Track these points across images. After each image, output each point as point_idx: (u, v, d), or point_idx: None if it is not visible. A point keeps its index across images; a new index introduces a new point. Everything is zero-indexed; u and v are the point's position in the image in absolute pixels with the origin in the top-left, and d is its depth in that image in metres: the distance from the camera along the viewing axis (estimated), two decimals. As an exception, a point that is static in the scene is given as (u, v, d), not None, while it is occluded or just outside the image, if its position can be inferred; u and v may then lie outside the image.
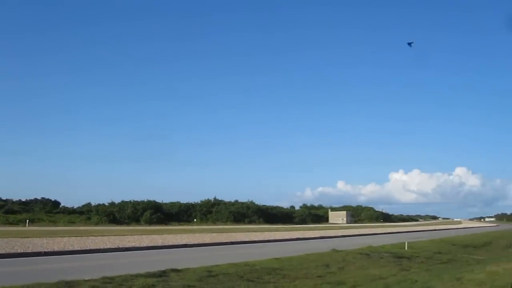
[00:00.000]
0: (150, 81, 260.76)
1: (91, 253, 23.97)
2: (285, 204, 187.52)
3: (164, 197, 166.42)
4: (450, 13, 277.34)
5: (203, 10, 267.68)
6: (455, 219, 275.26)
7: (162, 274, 14.13)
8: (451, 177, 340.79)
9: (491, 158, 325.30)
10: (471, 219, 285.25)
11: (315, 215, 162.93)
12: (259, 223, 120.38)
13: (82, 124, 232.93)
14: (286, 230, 66.03)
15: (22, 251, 22.86)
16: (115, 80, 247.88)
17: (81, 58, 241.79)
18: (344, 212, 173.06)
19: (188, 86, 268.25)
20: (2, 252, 21.70)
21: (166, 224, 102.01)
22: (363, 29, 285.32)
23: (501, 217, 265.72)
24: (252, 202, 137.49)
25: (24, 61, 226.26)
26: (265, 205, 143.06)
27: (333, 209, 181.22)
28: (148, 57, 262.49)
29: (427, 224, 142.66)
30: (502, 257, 27.10)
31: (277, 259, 19.85)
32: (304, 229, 70.82)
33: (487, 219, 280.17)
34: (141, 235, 43.27)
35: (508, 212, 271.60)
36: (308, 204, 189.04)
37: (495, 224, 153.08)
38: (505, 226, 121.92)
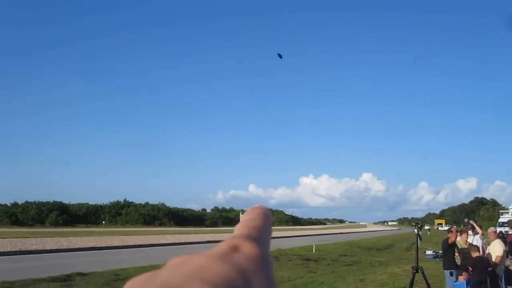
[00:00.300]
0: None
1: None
2: (196, 206, 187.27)
3: (71, 198, 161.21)
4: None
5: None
6: (360, 223, 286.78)
7: (67, 278, 13.66)
8: (358, 182, 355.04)
9: (395, 165, 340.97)
10: (375, 223, 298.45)
11: (226, 218, 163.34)
12: (170, 225, 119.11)
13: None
14: (197, 233, 65.80)
15: None
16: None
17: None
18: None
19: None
20: None
21: (72, 226, 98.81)
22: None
23: (402, 221, 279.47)
24: (163, 204, 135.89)
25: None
26: (176, 208, 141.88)
27: (244, 212, 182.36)
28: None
29: (334, 228, 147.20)
30: (403, 259, 28.48)
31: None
32: (215, 232, 70.84)
33: (390, 223, 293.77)
34: (46, 237, 41.52)
35: (409, 216, 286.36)
36: (220, 207, 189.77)
37: (397, 228, 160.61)
38: (406, 229, 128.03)
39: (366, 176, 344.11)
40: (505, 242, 13.33)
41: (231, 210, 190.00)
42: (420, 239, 7.82)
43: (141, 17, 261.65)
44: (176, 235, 54.54)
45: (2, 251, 24.80)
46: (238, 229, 0.62)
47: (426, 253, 30.15)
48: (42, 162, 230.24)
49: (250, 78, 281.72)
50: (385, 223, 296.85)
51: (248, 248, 0.56)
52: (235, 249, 0.56)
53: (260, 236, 0.59)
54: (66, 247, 29.28)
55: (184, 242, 39.59)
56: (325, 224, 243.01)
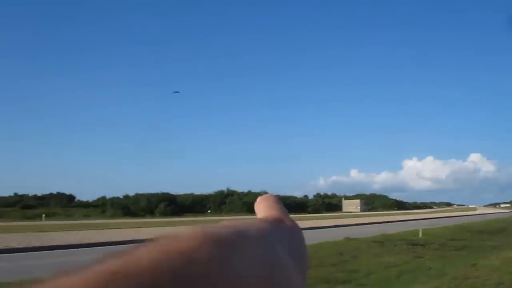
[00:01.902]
0: (155, 82, 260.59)
1: (108, 245, 24.24)
2: (298, 193, 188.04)
3: (177, 189, 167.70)
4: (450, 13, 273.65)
5: (202, 10, 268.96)
6: (470, 206, 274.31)
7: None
8: (465, 163, 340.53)
9: (507, 144, 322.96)
10: (486, 206, 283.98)
11: (328, 204, 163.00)
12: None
13: (93, 122, 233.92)
14: (300, 219, 66.13)
15: (39, 245, 23.20)
16: (120, 81, 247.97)
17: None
18: (358, 201, 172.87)
19: (191, 85, 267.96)
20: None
21: (180, 215, 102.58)
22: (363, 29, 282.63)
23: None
24: (265, 192, 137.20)
25: (31, 62, 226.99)
26: (278, 195, 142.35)
27: (347, 198, 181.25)
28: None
29: (442, 211, 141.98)
30: (517, 243, 27.00)
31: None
32: (317, 218, 70.84)
33: (502, 205, 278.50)
34: (156, 227, 43.57)
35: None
36: (322, 193, 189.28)
37: (510, 210, 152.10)
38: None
39: (474, 157, 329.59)
40: None
41: (333, 196, 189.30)
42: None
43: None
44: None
45: (119, 240, 26.35)
46: (266, 210, 0.65)
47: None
48: (150, 156, 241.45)
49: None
50: (497, 206, 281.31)
51: (291, 223, 0.61)
52: (280, 221, 0.59)
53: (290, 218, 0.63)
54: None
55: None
56: (431, 208, 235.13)
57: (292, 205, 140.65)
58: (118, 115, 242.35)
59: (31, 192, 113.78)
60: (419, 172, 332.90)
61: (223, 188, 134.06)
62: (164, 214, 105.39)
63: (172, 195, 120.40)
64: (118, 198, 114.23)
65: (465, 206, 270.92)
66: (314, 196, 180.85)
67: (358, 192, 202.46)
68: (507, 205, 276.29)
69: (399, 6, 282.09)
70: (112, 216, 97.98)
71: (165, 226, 45.69)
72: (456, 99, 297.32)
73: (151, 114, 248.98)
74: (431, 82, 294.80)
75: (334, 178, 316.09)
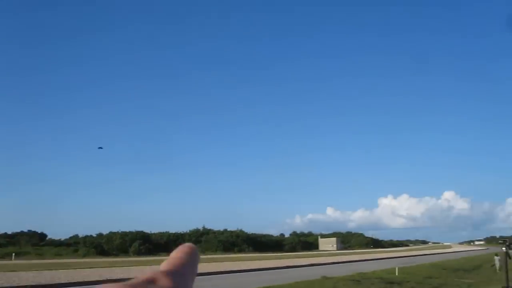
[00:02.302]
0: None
1: (80, 285, 23.66)
2: (274, 232, 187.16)
3: (152, 227, 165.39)
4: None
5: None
6: (445, 243, 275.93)
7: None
8: (439, 201, 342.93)
9: (480, 182, 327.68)
10: (460, 243, 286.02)
11: (305, 242, 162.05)
12: (249, 251, 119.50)
13: (65, 157, 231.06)
14: (276, 258, 65.64)
15: (8, 285, 22.52)
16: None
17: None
18: (334, 239, 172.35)
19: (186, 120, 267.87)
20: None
21: (155, 254, 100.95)
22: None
23: (490, 240, 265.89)
24: (241, 231, 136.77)
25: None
26: (254, 233, 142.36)
27: (323, 236, 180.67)
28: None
29: (418, 249, 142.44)
30: (492, 280, 27.14)
31: (267, 287, 19.72)
32: (294, 257, 70.41)
33: (476, 243, 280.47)
34: (130, 266, 42.80)
35: (498, 235, 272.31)
36: (298, 232, 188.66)
37: (485, 247, 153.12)
38: (495, 249, 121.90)
39: (448, 195, 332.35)
40: None
41: (310, 234, 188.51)
42: (510, 258, 7.40)
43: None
44: (256, 261, 54.60)
45: (90, 280, 25.75)
46: (162, 265, 0.64)
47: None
48: (124, 193, 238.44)
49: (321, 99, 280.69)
50: (471, 243, 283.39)
51: (164, 282, 0.58)
52: (151, 281, 0.58)
53: (181, 273, 0.63)
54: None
55: (264, 268, 39.57)
56: (407, 245, 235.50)
57: (268, 243, 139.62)
58: (91, 149, 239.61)
59: (0, 230, 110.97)
60: (394, 210, 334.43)
61: (199, 226, 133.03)
62: (138, 253, 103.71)
63: (147, 233, 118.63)
64: (91, 236, 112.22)
65: (440, 244, 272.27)
66: (291, 234, 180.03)
67: (334, 230, 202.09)
68: (482, 242, 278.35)
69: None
70: (85, 255, 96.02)
71: (139, 265, 44.82)
72: (429, 139, 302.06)
73: (127, 150, 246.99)
74: (406, 125, 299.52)
75: (310, 216, 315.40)
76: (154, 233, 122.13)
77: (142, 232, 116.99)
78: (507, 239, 9.32)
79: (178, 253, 0.70)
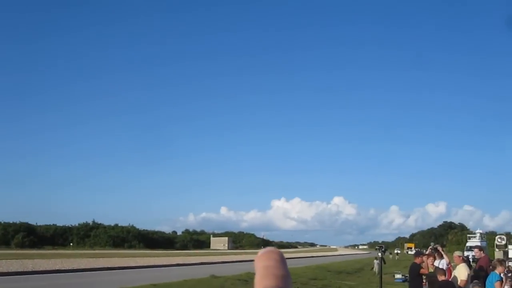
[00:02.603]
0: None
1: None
2: (167, 229, 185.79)
3: (38, 219, 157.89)
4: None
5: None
6: (331, 246, 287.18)
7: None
8: (329, 205, 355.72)
9: (366, 189, 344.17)
10: (346, 247, 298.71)
11: (197, 240, 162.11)
12: (140, 248, 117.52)
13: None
14: (167, 255, 65.11)
15: None
16: None
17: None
18: (226, 238, 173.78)
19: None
20: None
21: (39, 248, 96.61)
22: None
23: (373, 245, 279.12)
24: (133, 227, 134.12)
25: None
26: (146, 230, 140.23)
27: (215, 235, 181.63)
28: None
29: (306, 251, 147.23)
30: (372, 283, 28.64)
31: (154, 285, 19.56)
32: (185, 255, 70.21)
33: (360, 247, 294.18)
34: (11, 259, 40.60)
35: (380, 240, 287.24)
36: (191, 230, 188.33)
37: (367, 252, 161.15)
38: (376, 253, 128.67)
39: (337, 200, 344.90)
40: (470, 266, 13.60)
41: (202, 232, 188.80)
42: (384, 263, 7.90)
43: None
44: (146, 257, 53.83)
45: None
46: (262, 277, 0.60)
47: (395, 277, 30.43)
48: (9, 181, 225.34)
49: (220, 95, 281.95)
50: (356, 247, 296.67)
51: None
52: None
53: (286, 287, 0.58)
54: (31, 269, 28.65)
55: (153, 265, 39.15)
56: (296, 247, 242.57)
57: (160, 240, 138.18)
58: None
59: None
60: (286, 212, 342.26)
61: (88, 220, 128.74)
62: (22, 245, 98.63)
63: (32, 225, 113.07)
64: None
65: (328, 247, 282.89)
66: (183, 232, 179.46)
67: (227, 230, 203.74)
68: (365, 246, 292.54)
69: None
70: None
71: (21, 258, 42.61)
72: (324, 142, 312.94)
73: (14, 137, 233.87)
74: (300, 132, 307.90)
75: (204, 215, 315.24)
76: (40, 225, 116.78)
77: (26, 223, 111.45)
78: (382, 245, 9.95)
79: (269, 261, 0.63)
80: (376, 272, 37.44)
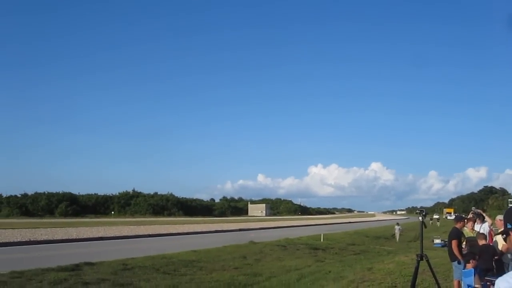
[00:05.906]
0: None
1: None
2: (205, 196, 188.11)
3: (80, 189, 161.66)
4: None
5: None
6: (369, 212, 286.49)
7: (75, 267, 13.74)
8: (366, 171, 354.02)
9: (404, 155, 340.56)
10: (384, 212, 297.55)
11: (234, 207, 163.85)
12: (179, 215, 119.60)
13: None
14: (205, 222, 66.04)
15: None
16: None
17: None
18: (263, 205, 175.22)
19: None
20: None
21: (82, 216, 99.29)
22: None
23: (411, 210, 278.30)
24: (171, 195, 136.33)
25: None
26: (184, 198, 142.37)
27: (253, 202, 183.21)
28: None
29: (343, 217, 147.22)
30: (411, 248, 28.46)
31: (194, 251, 19.83)
32: (223, 222, 71.09)
33: (398, 212, 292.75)
34: (55, 227, 41.86)
35: (418, 206, 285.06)
36: (228, 197, 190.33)
37: (405, 217, 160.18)
38: (415, 218, 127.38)
39: (375, 166, 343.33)
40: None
41: (240, 200, 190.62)
42: (425, 227, 7.78)
43: (138, 10, 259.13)
44: (185, 225, 54.74)
45: (12, 241, 25.01)
46: None
47: (434, 242, 30.11)
48: (52, 153, 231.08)
49: (257, 67, 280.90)
50: (394, 213, 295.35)
51: None
52: None
53: None
54: (75, 237, 29.46)
55: (193, 232, 39.74)
56: (333, 213, 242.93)
57: (199, 208, 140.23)
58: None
59: None
60: (323, 179, 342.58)
61: (129, 189, 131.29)
62: (65, 214, 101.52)
63: (74, 194, 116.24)
64: (15, 196, 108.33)
65: (365, 213, 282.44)
66: (221, 199, 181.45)
67: (264, 197, 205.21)
68: (403, 212, 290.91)
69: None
70: (8, 216, 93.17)
71: (65, 227, 43.87)
72: (362, 109, 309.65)
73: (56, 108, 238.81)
74: (341, 102, 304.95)
75: (241, 182, 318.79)
76: (82, 195, 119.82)
77: (69, 193, 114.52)
78: (423, 209, 9.74)
79: None
80: (397, 239, 37.22)
